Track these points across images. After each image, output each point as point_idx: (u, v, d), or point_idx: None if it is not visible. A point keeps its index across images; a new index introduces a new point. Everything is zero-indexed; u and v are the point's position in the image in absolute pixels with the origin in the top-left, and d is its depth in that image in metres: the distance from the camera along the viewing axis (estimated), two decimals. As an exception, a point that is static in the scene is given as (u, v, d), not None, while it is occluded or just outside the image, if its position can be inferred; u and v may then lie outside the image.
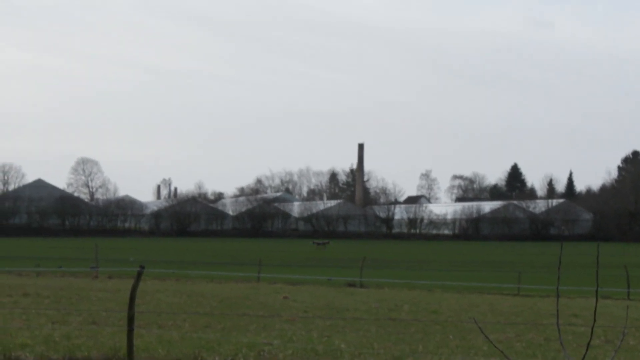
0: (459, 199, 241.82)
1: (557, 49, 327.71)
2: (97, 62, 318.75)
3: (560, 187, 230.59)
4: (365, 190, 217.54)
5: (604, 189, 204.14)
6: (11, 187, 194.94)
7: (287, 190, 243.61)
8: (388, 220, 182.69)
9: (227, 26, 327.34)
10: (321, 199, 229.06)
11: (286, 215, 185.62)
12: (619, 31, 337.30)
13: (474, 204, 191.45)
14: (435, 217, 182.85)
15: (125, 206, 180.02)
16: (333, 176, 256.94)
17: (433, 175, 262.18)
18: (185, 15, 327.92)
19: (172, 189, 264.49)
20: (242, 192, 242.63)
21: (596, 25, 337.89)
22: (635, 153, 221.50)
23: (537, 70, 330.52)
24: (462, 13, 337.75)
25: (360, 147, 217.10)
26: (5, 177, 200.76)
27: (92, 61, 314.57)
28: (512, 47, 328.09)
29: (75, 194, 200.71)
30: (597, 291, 7.26)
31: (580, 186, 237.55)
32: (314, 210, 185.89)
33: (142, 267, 18.08)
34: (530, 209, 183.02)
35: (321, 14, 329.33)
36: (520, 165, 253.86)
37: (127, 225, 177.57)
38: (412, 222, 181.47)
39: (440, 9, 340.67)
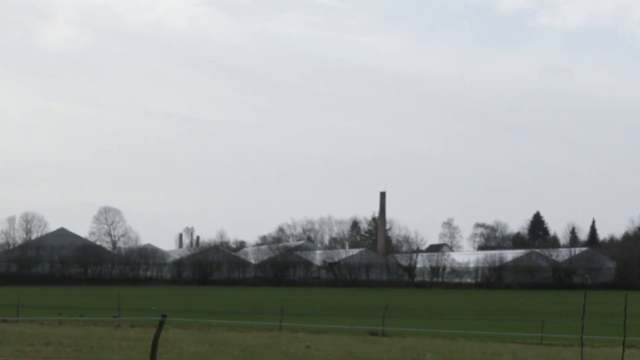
0: (482, 248, 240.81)
1: (578, 96, 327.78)
2: (120, 112, 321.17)
3: (583, 235, 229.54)
4: (387, 239, 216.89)
5: (627, 237, 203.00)
6: (34, 236, 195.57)
7: (309, 239, 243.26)
8: (410, 269, 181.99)
9: (249, 76, 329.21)
10: (343, 247, 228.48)
11: (308, 264, 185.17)
12: (639, 78, 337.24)
13: (497, 252, 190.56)
14: (457, 266, 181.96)
15: (148, 255, 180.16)
16: (355, 224, 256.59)
17: (455, 223, 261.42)
18: (209, 65, 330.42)
19: (194, 237, 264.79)
20: (264, 240, 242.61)
21: (615, 72, 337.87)
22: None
23: (558, 118, 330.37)
24: (482, 61, 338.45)
25: (382, 195, 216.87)
26: (28, 226, 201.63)
27: (114, 111, 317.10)
28: (532, 94, 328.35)
29: (98, 243, 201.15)
30: (624, 341, 7.23)
31: (603, 234, 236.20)
32: (336, 259, 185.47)
33: (164, 316, 18.07)
34: (553, 258, 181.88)
35: (344, 63, 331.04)
36: (542, 214, 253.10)
37: (149, 273, 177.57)
38: (435, 270, 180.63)
39: (461, 58, 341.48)
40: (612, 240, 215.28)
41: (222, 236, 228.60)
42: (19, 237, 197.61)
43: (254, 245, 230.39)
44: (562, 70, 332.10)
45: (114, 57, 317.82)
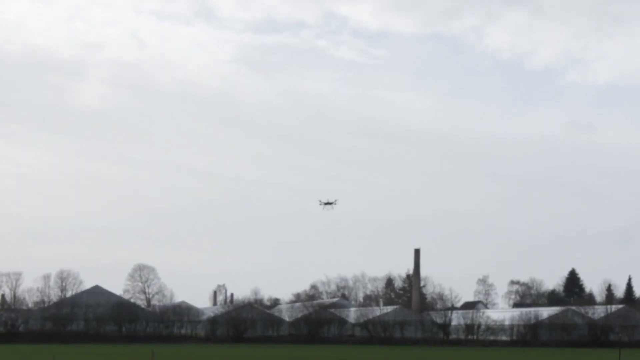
0: (517, 305, 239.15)
1: (612, 153, 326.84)
2: (153, 170, 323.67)
3: (619, 292, 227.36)
4: (422, 296, 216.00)
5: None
6: (69, 294, 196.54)
7: (343, 296, 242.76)
8: (445, 326, 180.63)
9: (281, 133, 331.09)
10: (377, 304, 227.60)
11: (342, 321, 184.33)
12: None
13: (532, 309, 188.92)
14: (492, 323, 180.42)
15: (182, 312, 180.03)
16: (389, 282, 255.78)
17: (490, 280, 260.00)
18: (241, 123, 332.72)
19: (228, 295, 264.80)
20: (298, 297, 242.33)
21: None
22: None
23: (593, 175, 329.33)
24: (514, 118, 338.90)
25: (417, 252, 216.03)
26: (63, 284, 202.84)
27: (147, 169, 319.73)
28: (565, 151, 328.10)
29: (132, 300, 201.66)
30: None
31: (639, 291, 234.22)
32: (370, 316, 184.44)
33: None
34: (589, 315, 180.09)
35: (375, 120, 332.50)
36: (578, 271, 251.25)
37: (183, 331, 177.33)
38: (470, 328, 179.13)
39: (494, 115, 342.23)
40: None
41: (256, 293, 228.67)
42: (54, 294, 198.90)
43: (287, 303, 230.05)
44: (596, 127, 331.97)
45: (146, 115, 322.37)
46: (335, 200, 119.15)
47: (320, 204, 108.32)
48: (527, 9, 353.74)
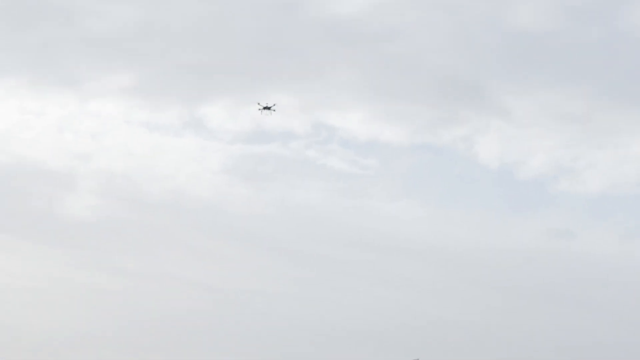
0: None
1: (611, 267, 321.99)
2: (143, 281, 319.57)
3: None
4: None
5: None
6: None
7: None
8: None
9: (272, 244, 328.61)
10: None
11: None
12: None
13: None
14: None
15: None
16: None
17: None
18: (231, 233, 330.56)
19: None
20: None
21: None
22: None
23: (591, 285, 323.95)
24: (508, 227, 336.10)
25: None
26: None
27: (137, 280, 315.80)
28: (559, 261, 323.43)
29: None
30: None
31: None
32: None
33: None
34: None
35: (368, 231, 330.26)
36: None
37: None
38: None
39: (486, 224, 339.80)
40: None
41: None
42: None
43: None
44: (587, 235, 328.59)
45: (136, 226, 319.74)
46: (274, 105, 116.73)
47: (259, 108, 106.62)
48: (517, 118, 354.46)
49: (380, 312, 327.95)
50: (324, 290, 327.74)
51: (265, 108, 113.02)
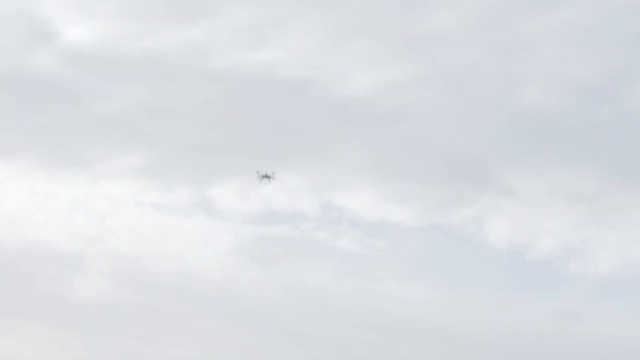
0: None
1: (614, 345, 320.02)
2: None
3: None
4: None
5: None
6: None
7: None
8: None
9: (281, 327, 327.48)
10: None
11: None
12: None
13: None
14: None
15: None
16: None
17: None
18: (241, 315, 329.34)
19: None
20: None
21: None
22: None
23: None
24: (515, 310, 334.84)
25: None
26: None
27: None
28: (566, 343, 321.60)
29: None
30: None
31: None
32: None
33: None
34: None
35: (380, 314, 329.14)
36: None
37: None
38: None
39: (496, 306, 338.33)
40: None
41: None
42: None
43: None
44: (598, 317, 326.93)
45: (145, 308, 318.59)
46: (274, 173, 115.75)
47: (259, 177, 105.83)
48: (526, 198, 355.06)
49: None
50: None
51: (264, 177, 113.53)
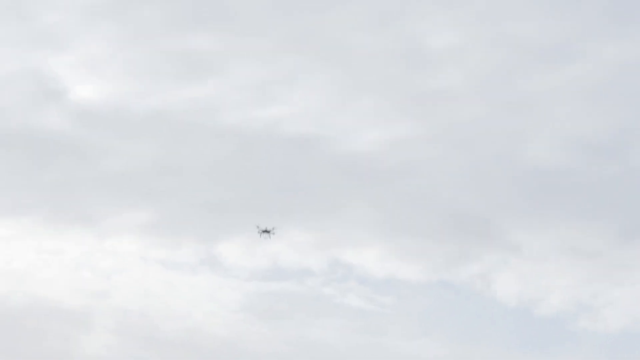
0: None
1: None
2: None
3: None
4: None
5: None
6: None
7: None
8: None
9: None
10: None
11: None
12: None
13: None
14: None
15: None
16: None
17: None
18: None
19: None
20: None
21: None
22: None
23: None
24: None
25: None
26: None
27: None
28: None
29: None
30: None
31: None
32: None
33: None
34: None
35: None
36: None
37: None
38: None
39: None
40: None
41: None
42: None
43: None
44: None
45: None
46: (273, 229, 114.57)
47: (258, 232, 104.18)
48: (534, 255, 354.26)
49: None
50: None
51: (264, 232, 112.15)
